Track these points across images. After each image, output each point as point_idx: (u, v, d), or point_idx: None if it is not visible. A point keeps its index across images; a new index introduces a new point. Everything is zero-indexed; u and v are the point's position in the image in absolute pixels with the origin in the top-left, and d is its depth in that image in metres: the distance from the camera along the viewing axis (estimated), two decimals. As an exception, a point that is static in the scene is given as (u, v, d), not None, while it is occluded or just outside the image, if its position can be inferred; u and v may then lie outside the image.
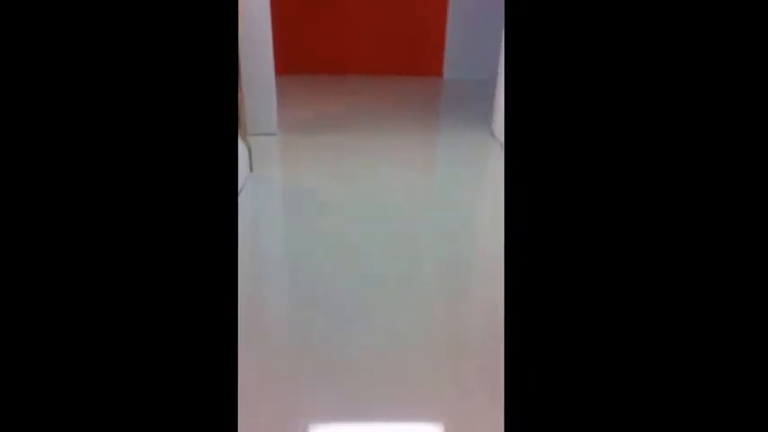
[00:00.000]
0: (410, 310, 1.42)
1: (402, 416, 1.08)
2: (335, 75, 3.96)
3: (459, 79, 4.04)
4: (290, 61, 3.90)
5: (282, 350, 1.26)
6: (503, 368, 1.22)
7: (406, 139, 2.74)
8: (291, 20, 3.77)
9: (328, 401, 1.11)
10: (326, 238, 1.78)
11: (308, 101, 3.38)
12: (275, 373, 1.19)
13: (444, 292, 1.51)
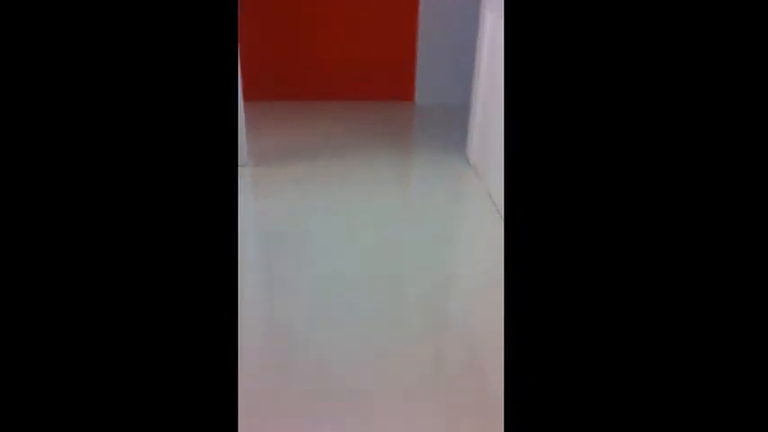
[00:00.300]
0: (392, 353, 1.32)
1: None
2: (305, 100, 3.88)
3: (432, 104, 4.00)
4: (257, 87, 3.81)
5: (257, 395, 1.15)
6: (494, 421, 1.13)
7: (381, 169, 2.66)
8: (257, 44, 3.69)
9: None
10: (300, 280, 1.67)
11: (278, 129, 3.28)
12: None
13: (426, 335, 1.41)
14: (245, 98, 3.74)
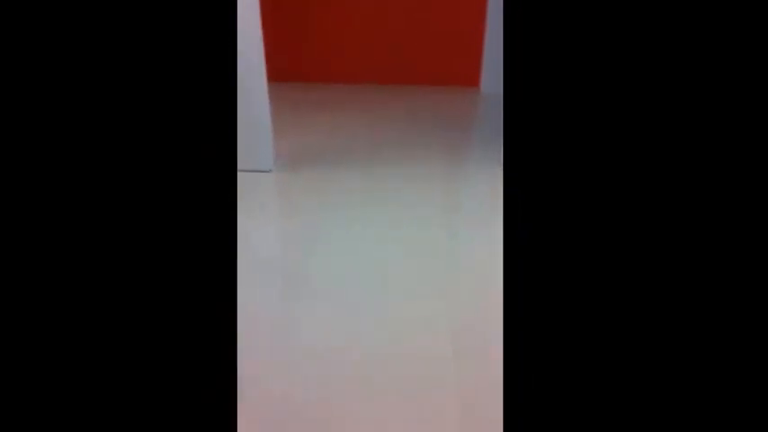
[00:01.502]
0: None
1: None
2: (348, 84, 3.39)
3: (500, 93, 3.42)
4: (289, 65, 3.34)
5: None
6: None
7: (430, 181, 2.17)
8: (289, 15, 3.22)
9: None
10: (316, 333, 1.24)
11: (313, 120, 2.83)
12: None
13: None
14: (273, 78, 3.29)
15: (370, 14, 3.20)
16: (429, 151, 2.48)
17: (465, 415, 1.09)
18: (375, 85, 3.37)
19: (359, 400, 1.11)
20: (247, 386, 1.15)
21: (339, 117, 2.85)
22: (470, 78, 3.44)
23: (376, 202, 1.99)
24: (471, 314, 1.40)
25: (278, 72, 3.30)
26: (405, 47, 3.28)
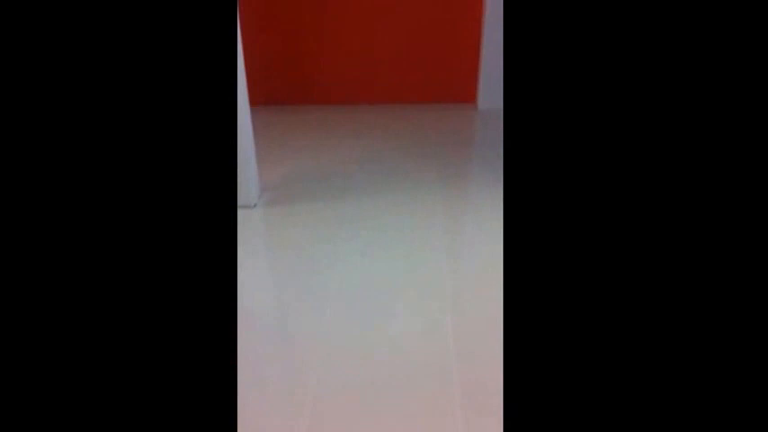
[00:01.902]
0: None
1: None
2: (340, 104, 3.26)
3: (499, 108, 3.28)
4: (269, 87, 3.21)
5: None
6: None
7: (429, 205, 2.03)
8: (272, 34, 3.11)
9: None
10: (296, 405, 1.09)
11: (303, 143, 2.70)
12: None
13: None
14: (255, 102, 3.17)
15: (360, 31, 3.08)
16: (428, 173, 2.33)
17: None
18: (367, 106, 3.24)
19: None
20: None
21: (329, 141, 2.72)
22: (467, 94, 3.31)
23: (373, 233, 1.85)
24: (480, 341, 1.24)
25: (260, 94, 3.18)
26: (398, 64, 3.16)
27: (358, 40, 3.09)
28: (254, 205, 2.08)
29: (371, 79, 3.20)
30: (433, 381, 1.22)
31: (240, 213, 2.04)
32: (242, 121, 1.96)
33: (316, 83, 3.20)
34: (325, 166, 2.43)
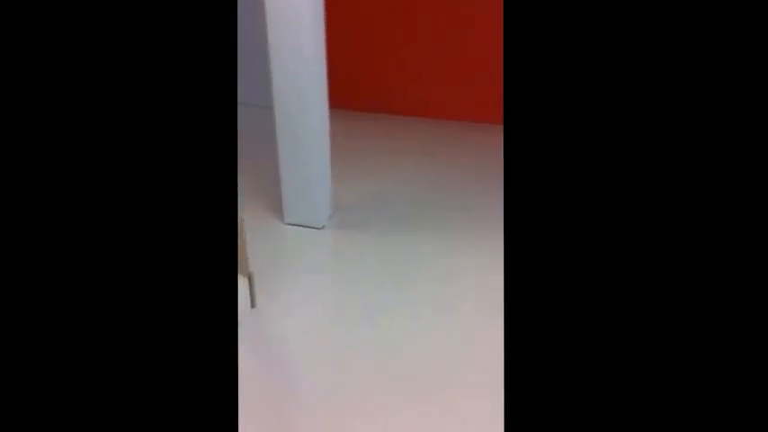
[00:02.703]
0: None
1: None
2: (418, 117, 3.02)
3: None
4: (351, 90, 3.02)
5: None
6: None
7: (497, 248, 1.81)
8: (350, 41, 2.92)
9: None
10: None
11: (383, 159, 2.53)
12: None
13: None
14: (334, 105, 3.02)
15: (450, 45, 2.82)
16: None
17: None
18: (456, 122, 2.99)
19: None
20: None
21: (410, 158, 2.54)
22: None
23: (447, 279, 1.66)
24: None
25: (340, 97, 2.99)
26: (487, 81, 2.86)
27: (448, 53, 2.84)
28: (323, 227, 1.98)
29: (459, 94, 2.94)
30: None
31: (304, 234, 1.94)
32: (319, 126, 1.84)
33: (400, 91, 3.00)
34: (403, 189, 2.26)
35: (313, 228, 1.96)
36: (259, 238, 1.88)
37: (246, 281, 1.56)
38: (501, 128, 2.94)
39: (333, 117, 1.95)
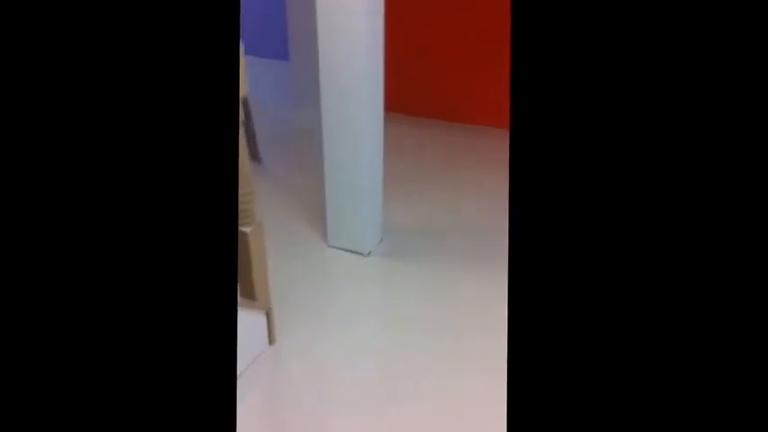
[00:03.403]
0: None
1: None
2: (481, 125, 2.70)
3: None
4: (406, 94, 2.73)
5: None
6: None
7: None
8: (406, 41, 2.63)
9: None
10: None
11: (439, 175, 2.28)
12: None
13: None
14: (389, 109, 2.76)
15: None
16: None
17: None
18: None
19: None
20: None
21: (470, 175, 2.27)
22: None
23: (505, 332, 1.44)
24: None
25: (395, 101, 2.73)
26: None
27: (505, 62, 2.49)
28: (369, 254, 1.80)
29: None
30: None
31: (347, 259, 1.78)
32: (372, 132, 1.65)
33: (457, 98, 2.70)
34: (465, 212, 2.02)
35: (358, 254, 1.80)
36: (295, 260, 1.75)
37: (264, 317, 1.44)
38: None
39: (386, 121, 1.75)
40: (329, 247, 1.82)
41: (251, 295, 1.39)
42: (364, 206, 1.73)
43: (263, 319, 1.43)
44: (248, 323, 1.38)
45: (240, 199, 1.28)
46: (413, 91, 2.75)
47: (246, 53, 1.46)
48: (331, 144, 1.66)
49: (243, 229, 1.32)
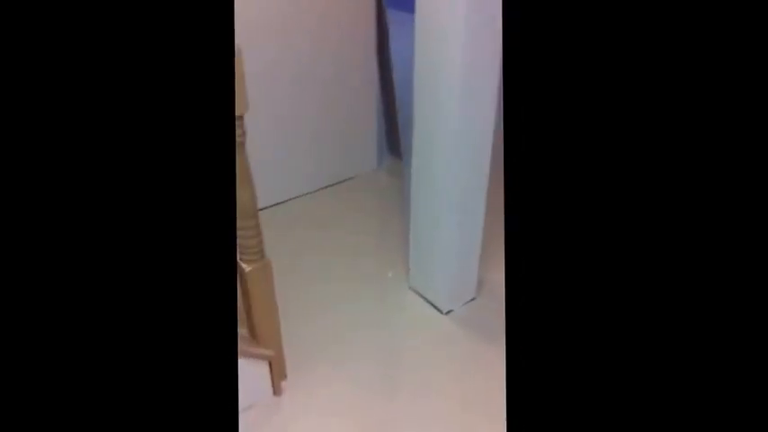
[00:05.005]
0: None
1: None
2: None
3: None
4: None
5: None
6: None
7: None
8: None
9: None
10: None
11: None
12: None
13: None
14: None
15: None
16: None
17: None
18: None
19: None
20: None
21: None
22: None
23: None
24: None
25: None
26: None
27: None
28: (448, 312, 1.42)
29: None
30: None
31: (421, 310, 1.43)
32: (474, 203, 1.25)
33: None
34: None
35: (435, 308, 1.43)
36: (362, 296, 1.47)
37: (267, 366, 1.21)
38: None
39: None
40: (408, 288, 1.49)
41: (255, 338, 1.17)
42: (461, 262, 1.35)
43: (265, 369, 1.20)
44: (246, 371, 1.17)
45: (240, 233, 1.04)
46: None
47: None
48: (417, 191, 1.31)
49: (243, 265, 1.08)
